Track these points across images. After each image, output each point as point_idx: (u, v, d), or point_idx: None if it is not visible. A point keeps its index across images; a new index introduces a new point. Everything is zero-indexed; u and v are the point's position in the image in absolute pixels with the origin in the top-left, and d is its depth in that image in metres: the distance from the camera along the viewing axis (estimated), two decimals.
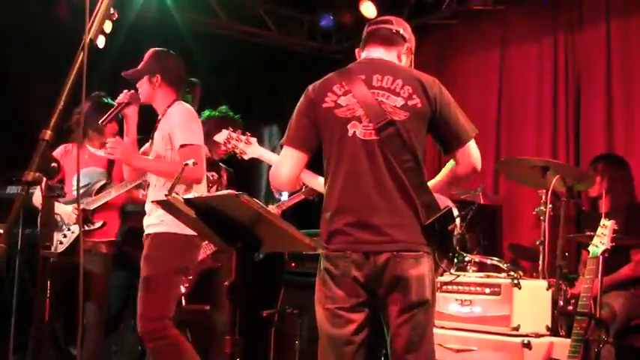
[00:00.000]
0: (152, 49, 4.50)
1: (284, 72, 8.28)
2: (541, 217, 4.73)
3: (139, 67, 4.44)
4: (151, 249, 4.25)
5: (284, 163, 3.15)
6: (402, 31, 3.28)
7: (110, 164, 5.34)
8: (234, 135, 3.58)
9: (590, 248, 4.08)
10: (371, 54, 3.24)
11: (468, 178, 3.25)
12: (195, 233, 3.94)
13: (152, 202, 3.54)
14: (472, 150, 3.14)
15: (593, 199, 5.53)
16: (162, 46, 4.55)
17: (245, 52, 8.06)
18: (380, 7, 7.70)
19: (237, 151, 3.58)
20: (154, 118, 4.50)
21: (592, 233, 4.13)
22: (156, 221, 4.22)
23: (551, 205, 4.73)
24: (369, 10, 7.72)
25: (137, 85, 4.45)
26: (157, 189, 4.31)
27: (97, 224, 5.15)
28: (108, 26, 2.34)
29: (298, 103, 3.18)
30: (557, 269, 4.52)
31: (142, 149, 4.54)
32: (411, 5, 7.65)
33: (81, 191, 5.15)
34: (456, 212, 3.14)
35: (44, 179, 2.13)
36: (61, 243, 5.07)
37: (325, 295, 3.03)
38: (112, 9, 2.29)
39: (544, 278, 4.56)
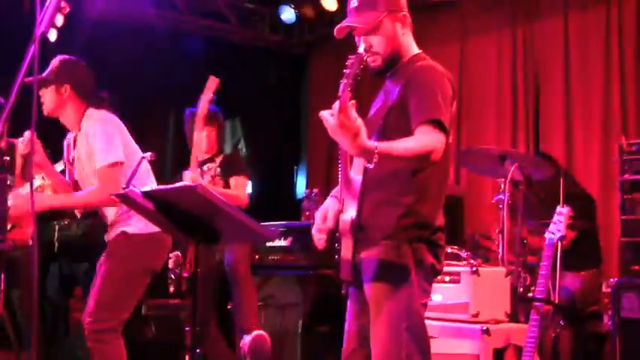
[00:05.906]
0: (59, 57, 4.12)
1: (246, 66, 8.29)
2: (500, 206, 4.78)
3: (45, 74, 4.06)
4: (116, 247, 4.01)
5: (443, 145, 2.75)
6: None
7: None
8: None
9: (547, 235, 4.14)
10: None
11: None
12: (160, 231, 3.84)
13: (110, 194, 3.49)
14: None
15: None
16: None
17: (206, 46, 8.04)
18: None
19: None
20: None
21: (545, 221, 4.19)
22: (125, 218, 4.00)
23: (509, 194, 4.77)
24: (329, 3, 7.75)
25: (40, 94, 4.05)
26: None
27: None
28: (59, 19, 2.33)
29: (447, 88, 2.93)
30: (516, 256, 4.58)
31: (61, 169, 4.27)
32: None
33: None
34: None
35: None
36: None
37: (425, 289, 2.84)
38: (62, 2, 2.29)
39: (503, 266, 4.62)
